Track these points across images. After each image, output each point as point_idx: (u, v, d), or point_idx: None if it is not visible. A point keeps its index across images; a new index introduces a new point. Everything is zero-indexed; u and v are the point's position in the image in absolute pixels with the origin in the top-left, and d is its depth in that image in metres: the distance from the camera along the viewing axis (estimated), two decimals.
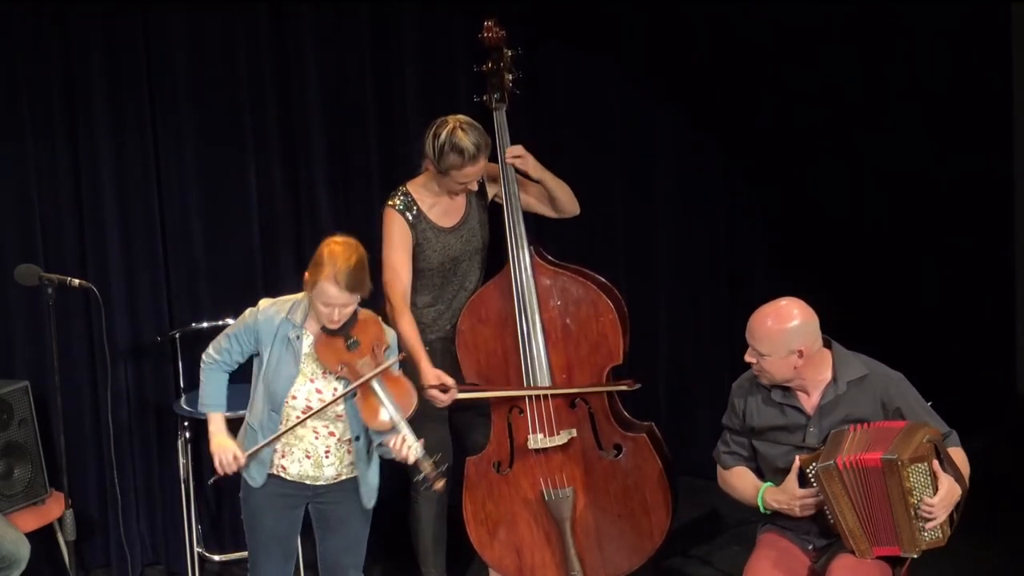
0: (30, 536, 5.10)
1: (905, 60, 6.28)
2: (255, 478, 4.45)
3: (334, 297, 4.24)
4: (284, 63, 5.73)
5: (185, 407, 5.43)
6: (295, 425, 4.36)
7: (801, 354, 4.20)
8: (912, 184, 6.37)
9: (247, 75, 5.67)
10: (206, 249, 5.69)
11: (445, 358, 5.09)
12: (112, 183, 5.55)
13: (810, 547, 4.33)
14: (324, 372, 4.37)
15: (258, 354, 4.43)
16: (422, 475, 4.36)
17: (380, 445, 4.43)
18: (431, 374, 4.92)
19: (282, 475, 4.44)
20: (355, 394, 4.33)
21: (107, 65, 5.49)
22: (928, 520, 4.07)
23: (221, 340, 4.46)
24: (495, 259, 5.17)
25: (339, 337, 4.34)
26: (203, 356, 4.49)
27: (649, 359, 6.18)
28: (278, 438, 4.38)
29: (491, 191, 5.15)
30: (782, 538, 4.36)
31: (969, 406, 5.74)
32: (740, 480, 4.40)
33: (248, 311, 4.44)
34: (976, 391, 6.38)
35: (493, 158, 5.08)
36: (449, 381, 4.92)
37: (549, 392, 5.05)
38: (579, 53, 6.07)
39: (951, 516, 4.15)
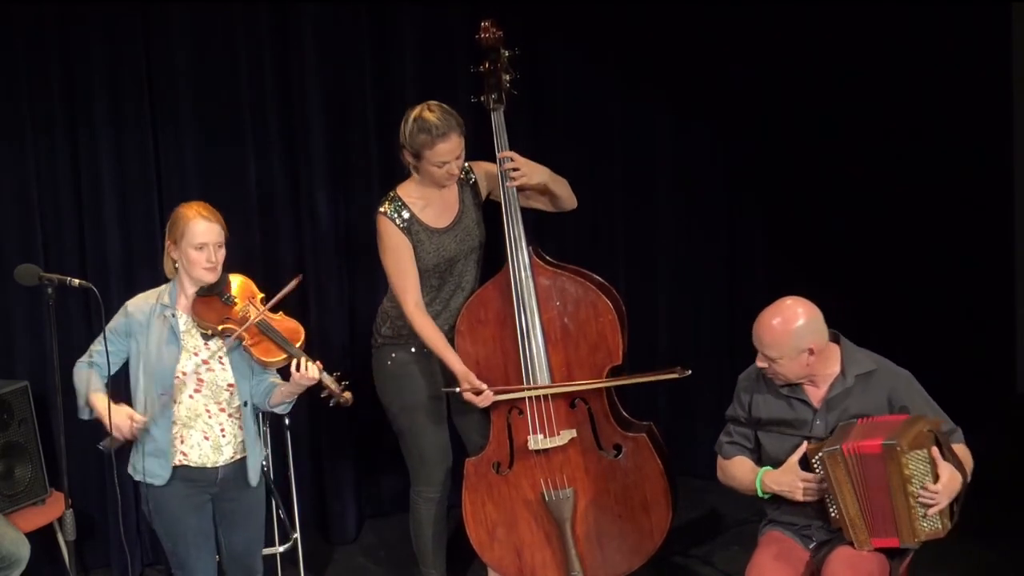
0: (30, 536, 5.11)
1: (905, 60, 6.28)
2: (159, 474, 4.50)
3: (205, 231, 4.44)
4: (284, 63, 5.74)
5: None
6: (217, 352, 4.45)
7: (812, 351, 4.20)
8: (912, 184, 6.37)
9: (247, 75, 5.67)
10: None
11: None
12: (112, 183, 5.56)
13: (812, 544, 4.33)
14: (206, 342, 4.49)
15: (128, 358, 4.53)
16: (327, 392, 4.47)
17: (278, 401, 4.54)
18: (464, 373, 4.94)
19: (186, 463, 4.52)
20: (242, 343, 4.45)
21: (107, 65, 5.49)
22: (929, 507, 4.07)
23: (93, 345, 4.57)
24: (492, 259, 5.17)
25: (213, 296, 4.51)
26: (73, 369, 4.57)
27: (649, 359, 6.17)
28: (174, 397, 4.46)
29: (485, 189, 5.14)
30: (784, 536, 4.36)
31: (969, 406, 5.73)
32: (739, 468, 4.39)
33: (116, 315, 4.57)
34: (976, 391, 6.38)
35: (490, 158, 5.08)
36: (480, 385, 4.94)
37: (590, 386, 5.03)
38: (579, 53, 6.08)
39: (951, 508, 4.15)
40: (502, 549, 5.17)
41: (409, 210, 4.99)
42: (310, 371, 4.43)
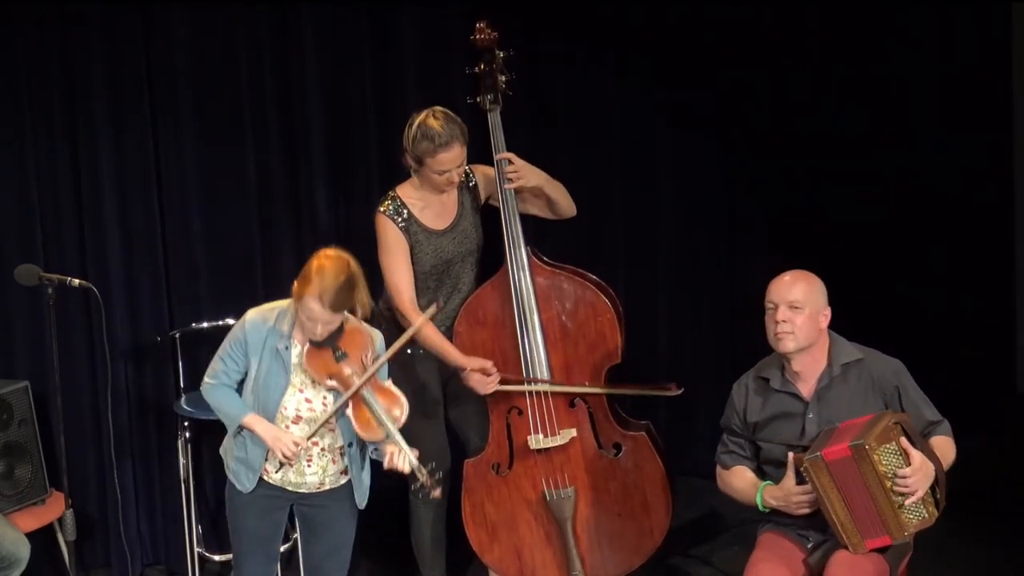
0: (30, 536, 5.11)
1: (905, 60, 6.28)
2: (245, 484, 4.44)
3: (317, 314, 4.22)
4: (284, 63, 5.74)
5: (185, 407, 5.43)
6: (322, 424, 4.31)
7: (824, 317, 4.31)
8: (912, 184, 6.37)
9: (247, 75, 5.67)
10: (206, 249, 5.70)
11: (441, 361, 5.08)
12: (112, 183, 5.56)
13: (809, 544, 4.34)
14: (313, 382, 4.35)
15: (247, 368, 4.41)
16: (419, 483, 4.37)
17: (376, 450, 4.43)
18: (467, 360, 4.92)
19: (264, 477, 4.43)
20: (347, 405, 4.31)
21: (107, 65, 5.49)
22: (907, 495, 4.07)
23: (214, 363, 4.43)
24: (490, 261, 5.17)
25: (327, 348, 4.31)
26: (201, 386, 4.46)
27: (649, 359, 6.18)
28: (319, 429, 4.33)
29: (484, 193, 5.15)
30: (781, 537, 4.37)
31: (969, 406, 5.73)
32: (739, 479, 4.42)
33: (235, 326, 4.42)
34: (976, 391, 6.38)
35: (487, 159, 5.08)
36: (490, 365, 4.92)
37: (588, 391, 5.04)
38: (579, 53, 6.07)
39: (935, 497, 4.15)
40: (502, 550, 5.17)
41: (408, 210, 4.99)
42: (401, 462, 4.30)
